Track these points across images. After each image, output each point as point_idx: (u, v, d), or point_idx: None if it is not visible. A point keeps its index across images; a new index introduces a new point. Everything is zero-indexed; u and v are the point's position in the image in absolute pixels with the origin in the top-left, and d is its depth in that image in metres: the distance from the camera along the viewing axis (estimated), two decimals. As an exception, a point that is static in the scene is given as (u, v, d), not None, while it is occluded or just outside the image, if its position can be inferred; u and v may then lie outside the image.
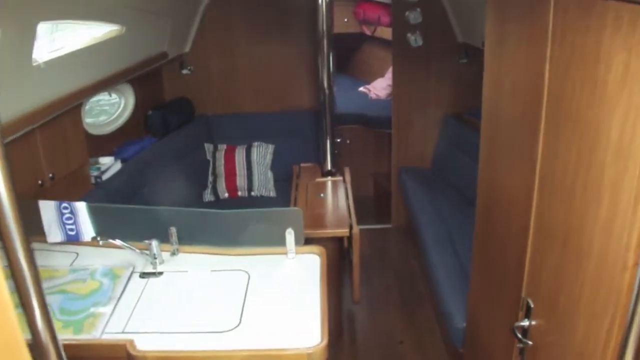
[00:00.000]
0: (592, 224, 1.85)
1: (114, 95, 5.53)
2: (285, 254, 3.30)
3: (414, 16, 5.92)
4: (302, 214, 3.19)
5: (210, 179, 6.18)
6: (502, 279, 2.92)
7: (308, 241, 4.69)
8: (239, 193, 6.12)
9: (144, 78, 5.66)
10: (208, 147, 6.29)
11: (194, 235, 3.36)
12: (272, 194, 6.11)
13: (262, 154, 6.21)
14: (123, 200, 4.71)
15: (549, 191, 2.22)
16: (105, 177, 4.77)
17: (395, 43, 6.28)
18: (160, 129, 5.90)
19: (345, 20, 8.83)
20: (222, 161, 6.16)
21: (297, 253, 3.30)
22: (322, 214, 4.81)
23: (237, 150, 6.20)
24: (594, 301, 1.87)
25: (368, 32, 8.49)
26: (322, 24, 5.17)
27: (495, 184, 2.98)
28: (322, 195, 5.16)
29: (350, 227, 4.52)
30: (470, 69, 6.15)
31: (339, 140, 5.85)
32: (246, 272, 3.17)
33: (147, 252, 3.24)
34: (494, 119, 2.94)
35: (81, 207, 3.41)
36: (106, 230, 3.47)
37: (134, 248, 3.26)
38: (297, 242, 3.28)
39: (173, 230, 3.31)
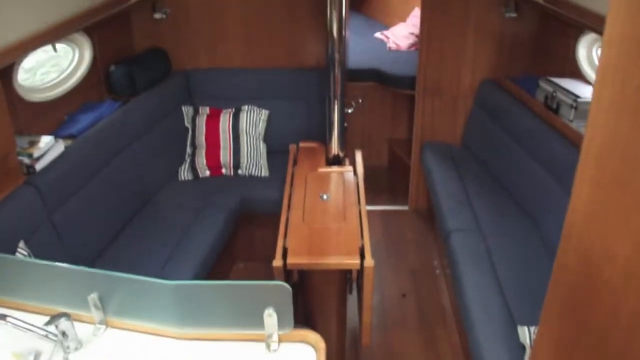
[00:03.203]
0: None
1: (60, 48, 4.29)
2: (263, 341, 2.14)
3: None
4: (290, 293, 2.02)
5: (189, 151, 5.00)
6: None
7: (302, 273, 3.60)
8: (223, 170, 4.94)
9: (105, 24, 4.43)
10: (187, 110, 5.07)
11: (129, 306, 2.21)
12: (264, 172, 4.92)
13: (254, 120, 5.00)
14: (63, 199, 3.58)
15: None
16: (40, 165, 3.59)
17: None
18: (125, 89, 4.70)
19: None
20: (204, 129, 4.95)
21: (281, 341, 2.15)
22: (323, 232, 3.63)
23: (222, 116, 4.99)
24: None
25: (388, -34, 7.15)
26: None
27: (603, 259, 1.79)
28: (324, 197, 3.98)
29: (362, 255, 3.37)
30: (518, 24, 4.97)
31: (350, 110, 4.65)
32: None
33: (56, 332, 2.09)
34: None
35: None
36: (7, 285, 2.34)
37: (37, 330, 2.10)
38: (283, 326, 2.12)
39: (94, 298, 2.15)
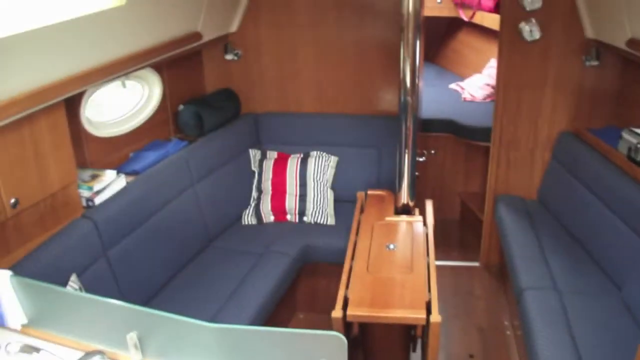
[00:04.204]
0: None
1: (130, 85, 4.27)
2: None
3: (531, 0, 4.49)
4: (344, 345, 1.82)
5: (254, 195, 4.89)
6: None
7: (363, 326, 3.40)
8: (288, 217, 4.80)
9: (176, 63, 4.42)
10: (254, 153, 4.99)
11: (169, 348, 2.05)
12: (330, 220, 4.76)
13: (322, 167, 4.88)
14: (120, 236, 3.51)
15: None
16: (100, 199, 3.54)
17: (503, 33, 4.78)
18: (193, 129, 4.65)
19: (438, 1, 7.34)
20: (270, 173, 4.85)
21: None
22: (388, 283, 3.43)
23: (290, 160, 4.89)
24: None
25: (465, 17, 6.98)
26: (409, 5, 3.87)
27: None
28: (391, 246, 3.78)
29: (429, 310, 3.14)
30: (599, 73, 4.72)
31: (421, 159, 4.48)
32: None
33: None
34: None
35: (3, 278, 2.15)
36: (47, 316, 2.22)
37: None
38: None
39: (133, 336, 2.00)
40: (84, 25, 3.03)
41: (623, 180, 3.93)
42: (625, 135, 4.09)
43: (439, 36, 8.18)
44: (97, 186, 3.53)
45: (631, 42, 3.85)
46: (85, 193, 3.50)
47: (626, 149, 4.05)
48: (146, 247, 3.71)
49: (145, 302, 3.64)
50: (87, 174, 3.62)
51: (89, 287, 3.11)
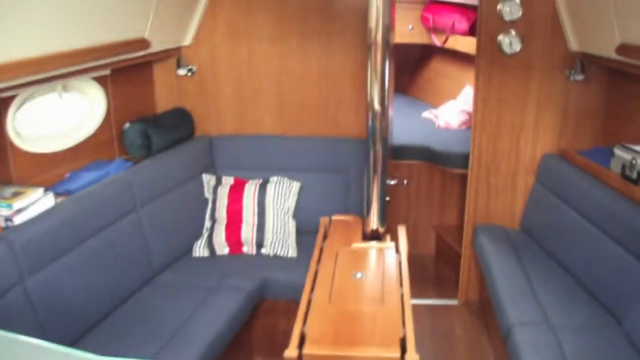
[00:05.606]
0: None
1: (67, 97, 3.82)
2: None
3: (510, 9, 4.24)
4: None
5: (207, 224, 4.41)
6: None
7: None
8: (244, 248, 4.32)
9: (122, 77, 4.02)
10: (208, 179, 4.54)
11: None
12: (291, 253, 4.29)
13: (283, 193, 4.42)
14: (43, 263, 3.02)
15: None
16: (21, 219, 3.06)
17: (480, 47, 4.44)
18: (140, 150, 4.22)
19: (410, 27, 6.98)
20: (226, 200, 4.39)
21: None
22: (355, 316, 2.97)
23: (247, 186, 4.43)
24: None
25: (438, 43, 6.66)
26: (376, 28, 3.61)
27: None
28: (359, 275, 3.33)
29: (403, 347, 2.68)
30: (585, 89, 4.41)
31: (392, 182, 4.07)
32: None
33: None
34: None
35: None
36: None
37: None
38: None
39: None
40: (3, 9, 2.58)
41: (618, 201, 3.54)
42: (618, 151, 3.71)
43: (411, 66, 7.85)
44: (18, 204, 3.06)
45: (622, 48, 3.50)
46: (4, 211, 3.03)
47: (620, 166, 3.66)
48: (76, 277, 3.20)
49: (74, 340, 3.12)
50: (9, 190, 3.16)
51: (1, 320, 2.62)
